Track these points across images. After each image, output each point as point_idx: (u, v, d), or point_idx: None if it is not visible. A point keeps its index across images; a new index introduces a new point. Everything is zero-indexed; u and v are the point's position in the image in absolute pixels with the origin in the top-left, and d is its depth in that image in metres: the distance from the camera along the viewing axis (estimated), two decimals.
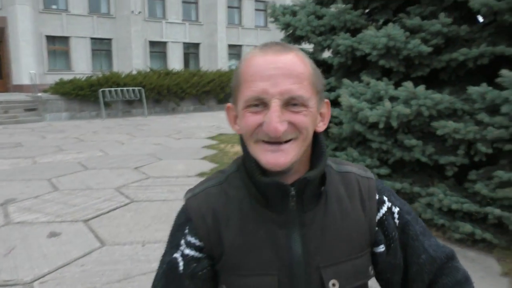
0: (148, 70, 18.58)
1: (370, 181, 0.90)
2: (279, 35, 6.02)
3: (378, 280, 0.92)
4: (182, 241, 0.85)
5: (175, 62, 25.76)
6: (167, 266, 0.86)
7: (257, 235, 0.83)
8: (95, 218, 4.48)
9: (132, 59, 23.61)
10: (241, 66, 0.81)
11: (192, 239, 0.85)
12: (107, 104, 15.72)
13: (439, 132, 3.53)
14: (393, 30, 3.83)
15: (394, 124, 3.60)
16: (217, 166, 6.92)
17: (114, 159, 7.72)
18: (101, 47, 23.63)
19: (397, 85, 3.86)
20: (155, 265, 2.79)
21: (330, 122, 3.90)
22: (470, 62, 3.74)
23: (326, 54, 5.08)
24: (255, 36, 29.95)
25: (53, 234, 4.01)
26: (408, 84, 3.63)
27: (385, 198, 0.90)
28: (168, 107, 17.62)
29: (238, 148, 8.60)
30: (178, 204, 4.15)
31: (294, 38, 5.02)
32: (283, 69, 0.75)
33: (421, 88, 3.56)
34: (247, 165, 0.83)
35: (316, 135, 0.84)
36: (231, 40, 28.53)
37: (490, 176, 3.45)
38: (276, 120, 0.73)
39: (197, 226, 0.85)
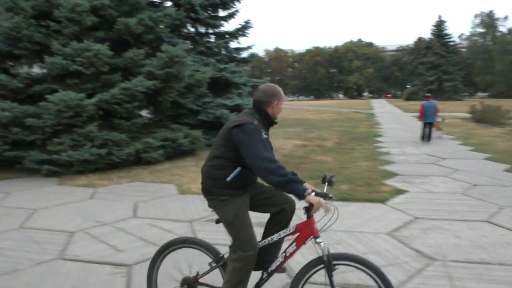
0: None
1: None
2: None
3: None
4: (262, 133, 2.37)
5: None
6: (262, 140, 2.35)
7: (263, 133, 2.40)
8: None
9: None
10: (279, 91, 2.58)
11: (263, 133, 2.40)
12: None
13: (28, 124, 7.65)
14: None
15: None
16: None
17: None
18: None
19: None
20: None
21: None
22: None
23: None
24: None
25: None
26: None
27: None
28: None
29: None
30: None
31: None
32: None
33: None
34: (268, 117, 2.56)
35: None
36: None
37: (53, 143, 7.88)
38: None
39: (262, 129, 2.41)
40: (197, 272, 2.75)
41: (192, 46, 12.57)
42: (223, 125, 2.57)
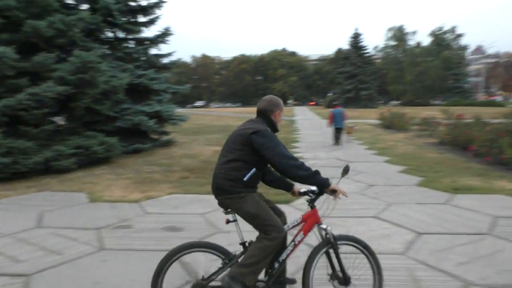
0: None
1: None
2: None
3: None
4: (277, 137, 2.67)
5: None
6: (280, 142, 2.65)
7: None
8: None
9: None
10: (281, 102, 2.90)
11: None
12: None
13: None
14: None
15: None
16: None
17: None
18: None
19: None
20: None
21: None
22: None
23: None
24: None
25: None
26: None
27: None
28: None
29: None
30: None
31: None
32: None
33: None
34: (273, 124, 2.84)
35: None
36: None
37: None
38: None
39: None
40: (203, 276, 2.78)
41: (109, 52, 12.33)
42: (233, 132, 2.81)
